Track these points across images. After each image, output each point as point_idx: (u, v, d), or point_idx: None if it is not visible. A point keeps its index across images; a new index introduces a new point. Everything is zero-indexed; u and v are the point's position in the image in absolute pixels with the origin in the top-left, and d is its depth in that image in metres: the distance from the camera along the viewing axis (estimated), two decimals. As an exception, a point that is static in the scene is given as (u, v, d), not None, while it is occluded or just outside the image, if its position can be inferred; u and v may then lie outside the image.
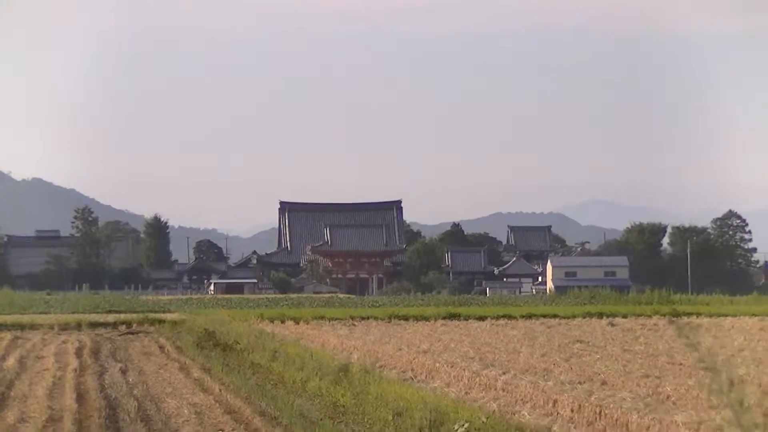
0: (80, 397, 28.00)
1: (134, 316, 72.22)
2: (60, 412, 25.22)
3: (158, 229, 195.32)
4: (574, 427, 21.16)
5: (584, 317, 67.28)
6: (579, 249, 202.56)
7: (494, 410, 23.37)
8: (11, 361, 39.79)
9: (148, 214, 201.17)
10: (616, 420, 20.74)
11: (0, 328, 62.86)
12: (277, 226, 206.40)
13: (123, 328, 63.78)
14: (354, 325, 60.77)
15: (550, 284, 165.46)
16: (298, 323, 62.30)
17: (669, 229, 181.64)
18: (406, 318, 66.82)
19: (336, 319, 66.55)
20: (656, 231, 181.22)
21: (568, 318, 66.24)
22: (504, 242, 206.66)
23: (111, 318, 70.40)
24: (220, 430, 19.34)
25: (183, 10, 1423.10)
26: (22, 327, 63.34)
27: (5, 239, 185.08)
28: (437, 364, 33.35)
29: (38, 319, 68.70)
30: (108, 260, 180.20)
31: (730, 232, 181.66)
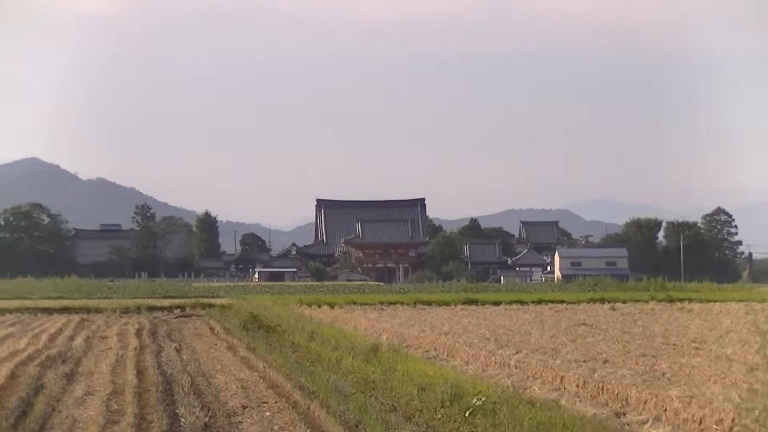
0: (140, 373, 28.03)
1: (187, 301, 72.28)
2: (122, 386, 25.27)
3: (208, 223, 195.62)
4: (580, 401, 21.10)
5: (588, 303, 67.15)
6: (583, 242, 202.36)
7: (508, 385, 23.32)
8: (79, 341, 39.88)
9: (200, 210, 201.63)
10: (617, 394, 20.68)
11: (69, 311, 63.08)
12: (314, 221, 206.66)
13: (177, 311, 63.90)
14: (383, 309, 60.71)
15: (557, 273, 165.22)
16: (332, 308, 62.27)
17: (663, 224, 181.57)
18: (429, 303, 66.75)
19: (367, 304, 66.54)
20: (652, 226, 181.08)
21: (574, 303, 66.10)
22: (516, 235, 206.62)
23: (167, 303, 70.53)
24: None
25: (240, 25, 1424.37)
26: (88, 310, 63.52)
27: (73, 233, 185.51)
28: (457, 345, 33.29)
29: (102, 304, 68.85)
30: (164, 251, 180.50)
31: (718, 227, 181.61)
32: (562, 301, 67.92)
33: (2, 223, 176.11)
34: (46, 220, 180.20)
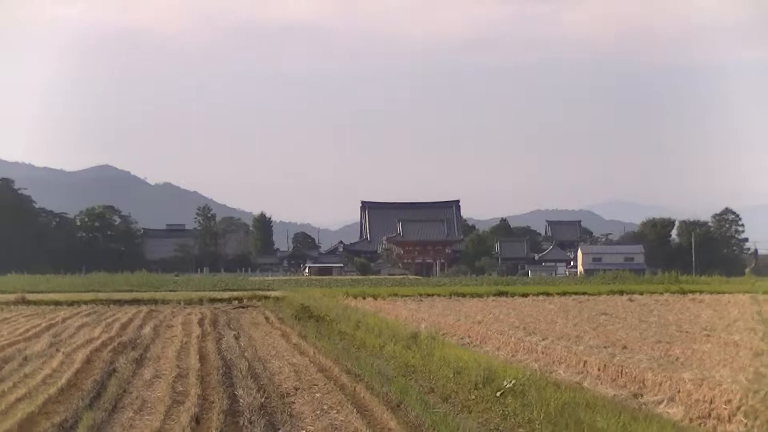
0: (202, 358, 28.15)
1: (245, 293, 72.50)
2: (186, 370, 25.38)
3: (264, 223, 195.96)
4: (601, 383, 21.04)
5: (608, 294, 66.90)
6: (603, 239, 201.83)
7: (535, 369, 23.28)
8: (147, 330, 40.07)
9: (256, 212, 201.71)
10: (635, 377, 20.61)
11: (138, 303, 63.45)
12: (358, 220, 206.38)
13: (236, 303, 64.12)
14: (421, 300, 60.70)
15: (580, 268, 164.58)
16: (376, 299, 62.32)
17: (676, 223, 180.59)
18: (463, 295, 66.68)
19: (407, 295, 66.54)
20: (666, 224, 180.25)
21: (595, 295, 65.90)
22: (542, 234, 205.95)
23: (226, 295, 70.74)
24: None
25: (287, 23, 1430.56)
26: (155, 302, 63.89)
27: (142, 232, 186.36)
28: (489, 332, 33.26)
29: (168, 296, 69.20)
30: (223, 248, 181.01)
31: (727, 225, 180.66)
32: (584, 293, 67.74)
33: (78, 223, 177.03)
34: (118, 220, 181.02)
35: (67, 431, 16.58)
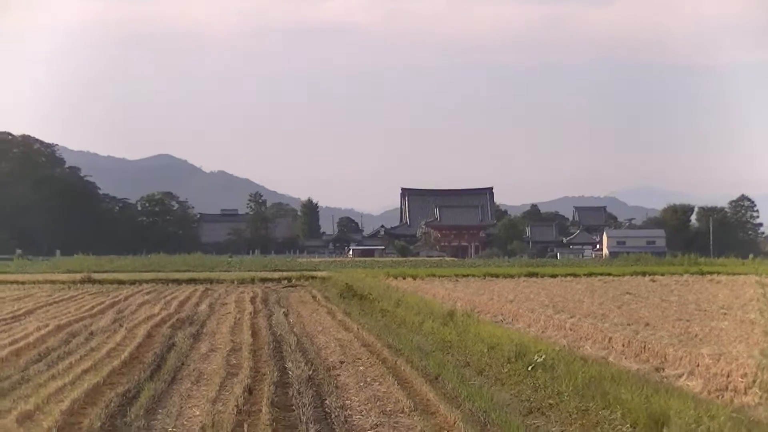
0: (254, 333, 28.28)
1: (293, 273, 72.68)
2: (239, 344, 25.50)
3: (311, 208, 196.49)
4: (625, 358, 20.98)
5: (632, 275, 66.54)
6: (627, 224, 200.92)
7: (564, 345, 23.24)
8: (203, 307, 40.28)
9: (303, 198, 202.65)
10: (657, 352, 20.54)
11: (194, 282, 63.77)
12: (399, 206, 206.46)
13: (285, 282, 64.27)
14: (457, 281, 60.61)
15: (605, 250, 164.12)
16: (415, 279, 62.29)
17: (696, 209, 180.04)
18: (496, 276, 66.56)
19: (443, 276, 66.46)
20: (686, 210, 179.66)
21: (620, 276, 65.58)
22: (570, 219, 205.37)
23: (276, 275, 70.95)
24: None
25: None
26: (210, 281, 64.15)
27: (198, 216, 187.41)
28: (520, 311, 33.21)
29: (222, 276, 69.48)
30: (273, 232, 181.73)
31: (743, 211, 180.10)
32: (609, 274, 67.42)
33: (139, 208, 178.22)
34: (176, 206, 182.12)
35: (130, 401, 16.71)
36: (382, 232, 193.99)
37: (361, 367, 21.37)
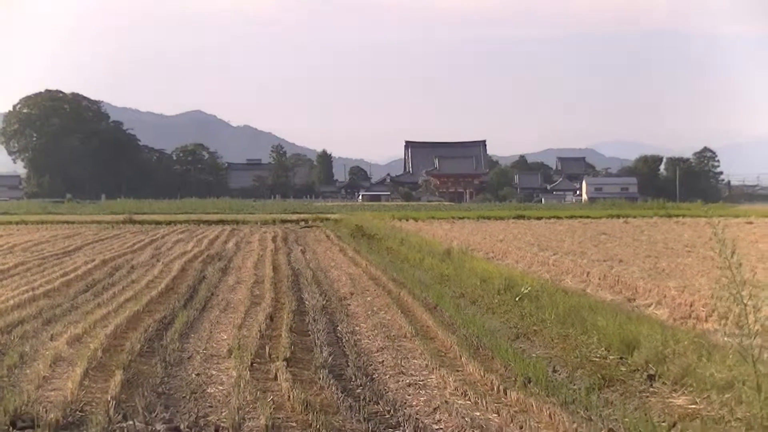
0: (275, 268, 28.33)
1: (309, 215, 72.81)
2: (262, 277, 25.56)
3: (325, 159, 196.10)
4: (601, 290, 20.99)
5: (607, 218, 66.54)
6: (604, 173, 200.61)
7: (547, 278, 23.26)
8: (230, 245, 40.36)
9: (319, 149, 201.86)
10: (629, 285, 20.55)
11: (223, 223, 63.87)
12: (403, 157, 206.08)
13: (302, 223, 64.29)
14: (454, 222, 60.65)
15: (584, 196, 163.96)
16: (416, 221, 62.33)
17: (664, 160, 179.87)
18: (488, 218, 66.60)
19: (442, 218, 66.52)
20: (656, 161, 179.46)
21: (597, 218, 65.59)
22: (554, 168, 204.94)
23: (294, 217, 71.07)
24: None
25: None
26: (237, 222, 64.26)
27: (226, 165, 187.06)
28: (509, 249, 33.22)
29: (248, 218, 69.59)
30: (292, 179, 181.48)
31: (705, 161, 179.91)
32: (588, 217, 67.46)
33: (174, 158, 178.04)
34: (207, 156, 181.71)
35: (166, 326, 16.77)
36: (388, 180, 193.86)
37: (368, 298, 21.41)
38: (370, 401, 11.16)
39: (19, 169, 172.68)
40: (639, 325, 14.88)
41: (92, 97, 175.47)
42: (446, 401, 11.22)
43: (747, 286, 6.51)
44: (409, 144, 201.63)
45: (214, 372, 13.08)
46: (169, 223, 63.46)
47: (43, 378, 12.33)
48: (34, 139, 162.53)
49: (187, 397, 11.52)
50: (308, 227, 59.97)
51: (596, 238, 39.33)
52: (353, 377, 12.65)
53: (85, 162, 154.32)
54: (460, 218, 66.53)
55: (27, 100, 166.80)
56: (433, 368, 13.11)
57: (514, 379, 12.40)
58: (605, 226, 52.03)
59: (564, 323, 16.48)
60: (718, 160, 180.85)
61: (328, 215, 73.28)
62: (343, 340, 15.68)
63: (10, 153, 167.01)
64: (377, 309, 19.56)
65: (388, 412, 10.68)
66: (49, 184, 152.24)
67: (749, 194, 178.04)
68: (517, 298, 19.79)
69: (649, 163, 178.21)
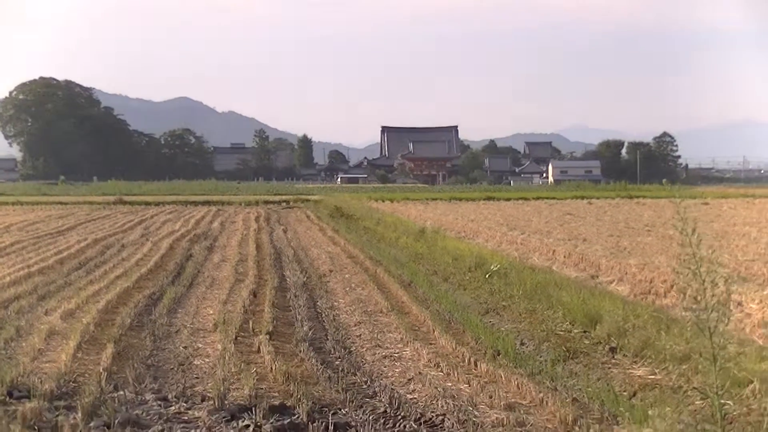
0: (258, 247, 28.26)
1: (290, 197, 72.60)
2: (245, 255, 25.49)
3: (306, 143, 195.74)
4: (566, 267, 21.06)
5: (572, 199, 66.76)
6: (569, 156, 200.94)
7: (516, 256, 23.31)
8: (216, 224, 40.22)
9: (300, 134, 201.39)
10: (592, 262, 20.62)
11: (209, 204, 63.60)
12: (379, 141, 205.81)
13: (284, 204, 64.14)
14: (427, 203, 60.71)
15: (551, 178, 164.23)
16: (392, 202, 62.37)
17: (626, 144, 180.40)
18: (460, 200, 66.67)
19: (416, 200, 66.56)
20: (618, 145, 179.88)
21: (562, 199, 65.76)
22: (522, 152, 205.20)
23: (276, 198, 70.85)
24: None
25: None
26: (222, 203, 64.02)
27: (211, 149, 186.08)
28: (480, 228, 33.28)
29: (232, 199, 69.35)
30: (275, 162, 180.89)
31: (664, 146, 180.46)
32: (553, 198, 67.64)
33: (163, 142, 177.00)
34: (193, 140, 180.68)
35: (155, 302, 16.71)
36: (366, 163, 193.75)
37: (347, 275, 21.39)
38: (348, 372, 11.18)
39: (15, 152, 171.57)
40: (602, 300, 14.95)
41: (84, 84, 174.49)
42: (420, 372, 11.24)
43: (705, 263, 6.52)
44: (385, 129, 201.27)
45: (200, 345, 13.04)
46: (157, 203, 63.15)
47: (38, 351, 12.27)
48: (29, 123, 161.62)
49: (175, 368, 11.49)
50: (289, 208, 59.82)
51: (562, 219, 39.45)
52: (332, 350, 12.66)
53: (77, 146, 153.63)
54: (433, 199, 66.58)
55: (22, 87, 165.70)
56: (407, 341, 13.12)
57: (483, 351, 12.43)
58: (570, 207, 52.19)
59: (531, 299, 16.54)
60: (677, 145, 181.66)
61: (309, 197, 73.15)
62: (323, 315, 15.67)
63: (6, 137, 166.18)
64: (355, 285, 19.55)
65: (365, 382, 10.69)
66: (44, 166, 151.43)
67: (705, 177, 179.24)
68: (486, 275, 19.83)
69: (612, 147, 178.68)
